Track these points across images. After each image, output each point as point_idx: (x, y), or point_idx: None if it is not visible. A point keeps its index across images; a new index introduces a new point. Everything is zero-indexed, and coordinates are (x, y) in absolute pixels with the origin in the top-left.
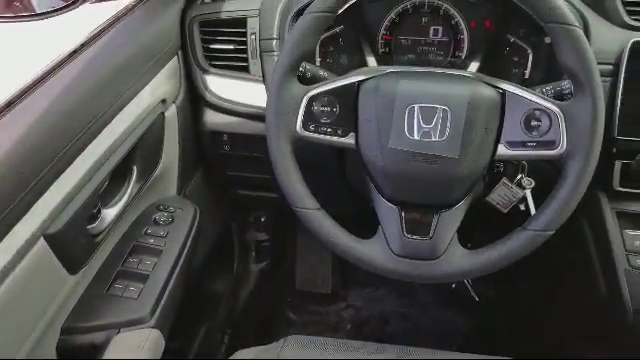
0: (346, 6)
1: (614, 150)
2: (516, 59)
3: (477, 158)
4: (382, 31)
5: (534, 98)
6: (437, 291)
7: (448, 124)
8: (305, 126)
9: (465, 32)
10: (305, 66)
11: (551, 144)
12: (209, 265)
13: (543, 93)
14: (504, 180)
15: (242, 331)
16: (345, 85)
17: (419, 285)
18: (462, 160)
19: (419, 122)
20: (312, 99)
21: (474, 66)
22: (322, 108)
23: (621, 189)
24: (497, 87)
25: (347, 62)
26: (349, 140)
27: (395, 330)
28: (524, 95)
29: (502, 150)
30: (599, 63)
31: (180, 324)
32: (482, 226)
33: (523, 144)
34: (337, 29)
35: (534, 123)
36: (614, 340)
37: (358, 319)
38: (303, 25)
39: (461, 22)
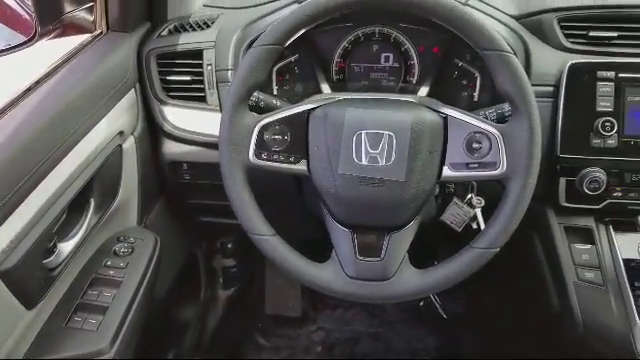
0: (293, 39)
1: (558, 168)
2: (465, 82)
3: (422, 180)
4: (336, 59)
5: (474, 121)
6: (407, 310)
7: (394, 149)
8: (257, 155)
9: (415, 58)
10: (258, 96)
11: (492, 165)
12: (175, 292)
13: (487, 116)
14: (455, 200)
15: (212, 358)
16: (295, 114)
17: (389, 304)
18: (408, 183)
19: (366, 148)
20: (264, 128)
21: (424, 90)
22: (274, 136)
23: (567, 205)
24: (439, 112)
25: (302, 90)
26: (301, 167)
27: (365, 350)
28: (465, 119)
29: (447, 172)
30: (540, 85)
31: (147, 352)
32: (445, 245)
33: (466, 166)
34: (292, 58)
35: (475, 145)
36: (570, 353)
37: (328, 341)
38: (252, 57)
39: (410, 48)
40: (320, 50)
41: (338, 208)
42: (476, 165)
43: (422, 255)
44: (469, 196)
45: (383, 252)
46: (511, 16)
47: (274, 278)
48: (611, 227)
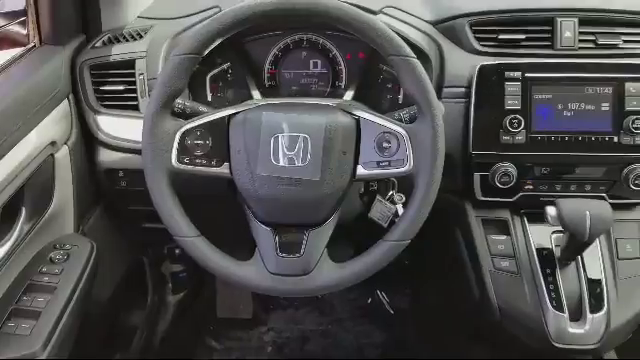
0: (210, 48)
1: (471, 164)
2: (389, 86)
3: (337, 179)
4: (267, 66)
5: (383, 122)
6: (355, 307)
7: (309, 150)
8: (180, 160)
9: (342, 63)
10: (184, 103)
11: (400, 162)
12: (121, 298)
13: (401, 117)
14: (378, 197)
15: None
16: (216, 119)
17: (339, 302)
18: (323, 181)
19: (283, 150)
20: (185, 134)
21: (350, 94)
22: (196, 142)
23: (484, 198)
24: (353, 114)
25: (234, 96)
26: (224, 170)
27: (315, 348)
28: (375, 120)
29: (360, 170)
30: (454, 86)
31: (90, 355)
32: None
33: (377, 164)
34: (225, 66)
35: (385, 145)
36: (491, 339)
37: (279, 341)
38: (169, 66)
39: (338, 55)
40: (252, 58)
41: (258, 208)
42: (386, 163)
43: (357, 252)
44: (390, 193)
45: (303, 248)
46: (428, 22)
47: (225, 282)
48: (525, 218)
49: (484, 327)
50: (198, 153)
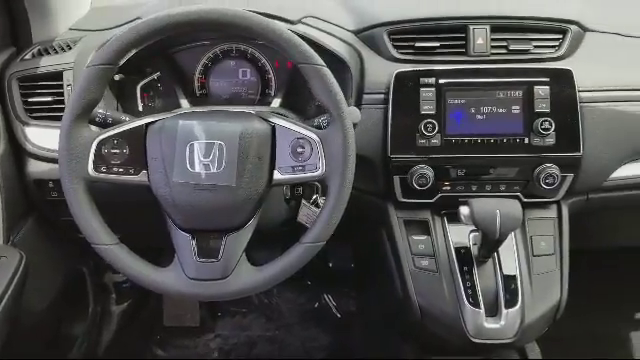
0: (126, 58)
1: (391, 167)
2: None
3: (253, 184)
4: (197, 75)
5: (297, 128)
6: (303, 312)
7: (224, 156)
8: (97, 168)
9: (271, 72)
10: (105, 112)
11: (314, 167)
12: (60, 308)
13: (320, 123)
14: (303, 201)
15: None
16: (133, 128)
17: (286, 307)
18: (239, 187)
19: (199, 156)
20: (102, 143)
21: (277, 102)
22: (112, 150)
23: (405, 200)
24: (268, 121)
25: (164, 106)
26: (141, 178)
27: (261, 353)
28: (289, 126)
29: (277, 175)
30: (373, 93)
31: None
32: None
33: (292, 169)
34: (155, 76)
35: (299, 150)
36: (416, 337)
37: (225, 347)
38: (84, 77)
39: (266, 63)
40: (181, 67)
41: (176, 214)
42: (301, 168)
43: None
44: (314, 197)
45: (221, 253)
46: (350, 31)
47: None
48: (445, 218)
49: (409, 326)
50: (115, 162)
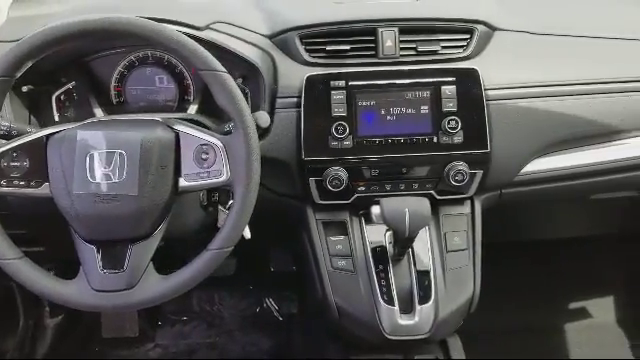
0: (23, 70)
1: (306, 170)
2: None
3: (157, 192)
4: (113, 83)
5: (201, 135)
6: (244, 317)
7: (125, 166)
8: None
9: (189, 78)
10: (10, 125)
11: (218, 173)
12: None
13: (229, 128)
14: (220, 207)
15: None
16: (32, 140)
17: (228, 313)
18: (142, 196)
19: (100, 166)
20: (0, 156)
21: (194, 108)
22: (12, 163)
23: (322, 202)
24: (172, 128)
25: (79, 115)
26: (43, 190)
27: None
28: (192, 133)
29: (182, 183)
30: (286, 97)
31: None
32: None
33: (198, 176)
34: (70, 85)
35: (204, 156)
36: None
37: (165, 356)
38: None
39: (183, 70)
40: (97, 76)
41: (79, 226)
42: (206, 174)
43: None
44: (230, 202)
45: (126, 263)
46: (263, 35)
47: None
48: (363, 219)
49: (329, 326)
50: (15, 175)
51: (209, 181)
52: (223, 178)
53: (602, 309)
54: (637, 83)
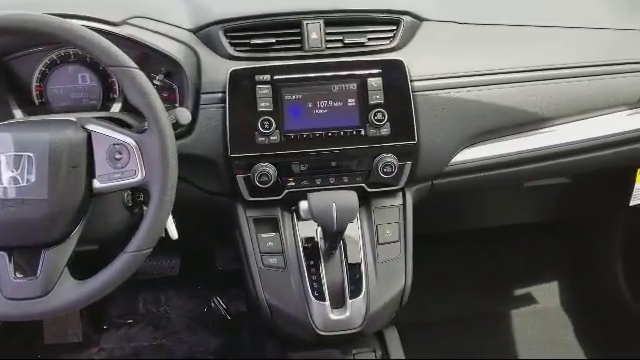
0: None
1: (233, 166)
2: (165, 95)
3: (69, 195)
4: (34, 83)
5: (113, 134)
6: (192, 317)
7: (34, 168)
8: None
9: (113, 75)
10: None
11: (132, 173)
12: None
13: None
14: (144, 208)
15: None
16: None
17: (175, 314)
18: (52, 199)
19: (7, 170)
20: None
21: (117, 106)
22: None
23: (252, 199)
24: (85, 128)
25: None
26: None
27: None
28: (105, 132)
29: (97, 184)
30: (211, 92)
31: None
32: None
33: (112, 176)
34: None
35: (117, 156)
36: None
37: None
38: None
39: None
40: (17, 75)
41: None
42: (119, 175)
43: None
44: None
45: (39, 269)
46: (187, 30)
47: None
48: (294, 214)
49: (263, 324)
50: None
51: (123, 182)
52: (138, 178)
53: (546, 294)
54: (562, 70)
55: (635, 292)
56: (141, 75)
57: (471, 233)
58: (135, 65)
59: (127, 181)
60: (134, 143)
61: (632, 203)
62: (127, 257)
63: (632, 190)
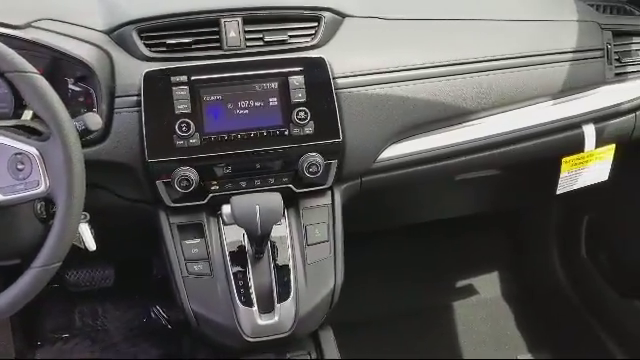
0: None
1: (152, 172)
2: (81, 100)
3: None
4: None
5: (13, 143)
6: (131, 328)
7: None
8: None
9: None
10: None
11: (35, 184)
12: None
13: None
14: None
15: None
16: None
17: (113, 327)
18: None
19: None
20: None
21: (29, 114)
22: None
23: (174, 205)
24: None
25: None
26: None
27: None
28: (4, 142)
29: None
30: (126, 96)
31: None
32: None
33: (14, 188)
34: None
35: (20, 166)
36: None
37: None
38: None
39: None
40: None
41: None
42: (22, 186)
43: None
44: None
45: None
46: (100, 31)
47: None
48: (220, 219)
49: (192, 334)
50: None
51: (26, 193)
52: (42, 189)
53: (486, 285)
54: (488, 63)
55: (571, 278)
56: (40, 80)
57: (409, 228)
58: (33, 70)
59: (30, 192)
60: (36, 152)
61: (559, 191)
62: (34, 272)
63: (558, 179)
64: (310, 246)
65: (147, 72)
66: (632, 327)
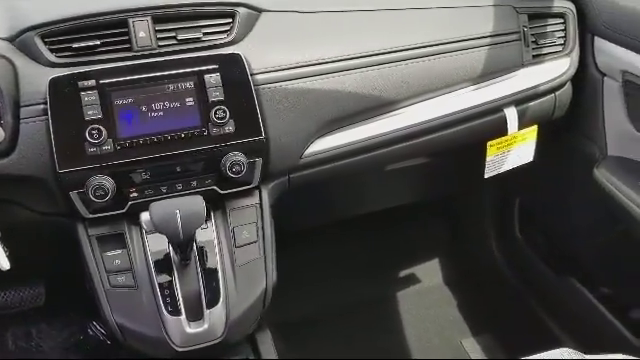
0: None
1: (64, 183)
2: None
3: None
4: None
5: None
6: (66, 347)
7: None
8: None
9: None
10: None
11: None
12: None
13: None
14: None
15: None
16: None
17: (48, 347)
18: None
19: None
20: None
21: None
22: None
23: (92, 216)
24: None
25: None
26: None
27: None
28: None
29: None
30: (31, 105)
31: None
32: None
33: None
34: None
35: None
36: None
37: None
38: None
39: None
40: None
41: None
42: None
43: None
44: None
45: None
46: (4, 39)
47: None
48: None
49: (119, 349)
50: None
51: None
52: None
53: (428, 273)
54: (410, 51)
55: (508, 260)
56: None
57: (346, 223)
58: None
59: None
60: None
61: (487, 175)
62: None
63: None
64: (239, 248)
65: (52, 78)
66: (569, 304)
